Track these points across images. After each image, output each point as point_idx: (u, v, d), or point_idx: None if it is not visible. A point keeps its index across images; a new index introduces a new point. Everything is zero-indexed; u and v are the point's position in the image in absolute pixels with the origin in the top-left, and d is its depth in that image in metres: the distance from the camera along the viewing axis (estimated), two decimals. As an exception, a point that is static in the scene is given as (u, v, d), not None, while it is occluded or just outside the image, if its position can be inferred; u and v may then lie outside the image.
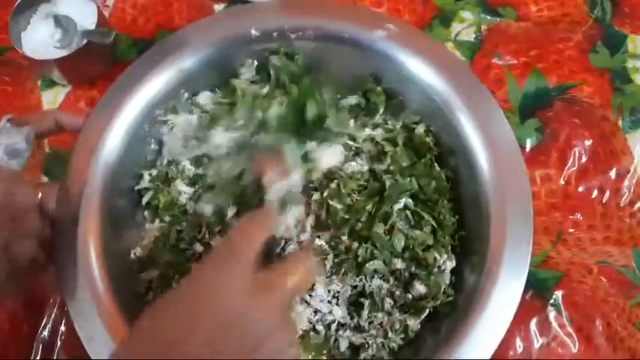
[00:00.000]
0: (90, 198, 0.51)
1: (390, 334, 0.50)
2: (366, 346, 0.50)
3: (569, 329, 0.52)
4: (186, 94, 0.57)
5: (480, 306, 0.46)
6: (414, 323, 0.50)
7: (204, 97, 0.58)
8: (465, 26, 0.64)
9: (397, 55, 0.55)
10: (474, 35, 0.64)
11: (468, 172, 0.52)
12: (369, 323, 0.51)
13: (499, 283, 0.47)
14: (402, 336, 0.50)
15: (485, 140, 0.51)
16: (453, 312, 0.50)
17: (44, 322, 0.55)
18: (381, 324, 0.51)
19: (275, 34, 0.57)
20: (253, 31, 0.56)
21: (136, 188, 0.56)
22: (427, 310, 0.50)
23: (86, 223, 0.50)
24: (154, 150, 0.57)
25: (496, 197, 0.49)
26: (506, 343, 0.51)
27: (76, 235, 0.49)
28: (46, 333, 0.55)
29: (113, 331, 0.47)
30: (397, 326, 0.50)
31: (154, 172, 0.56)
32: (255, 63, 0.58)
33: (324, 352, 0.51)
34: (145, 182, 0.56)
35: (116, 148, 0.53)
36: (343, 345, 0.51)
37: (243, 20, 0.57)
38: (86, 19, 0.60)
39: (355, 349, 0.51)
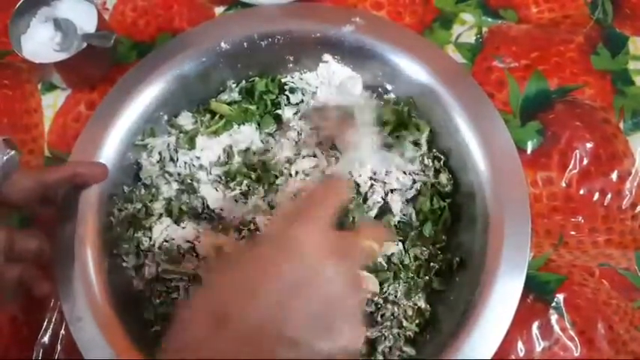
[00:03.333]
0: (86, 208, 0.52)
1: (405, 323, 0.50)
2: (383, 338, 0.51)
3: (571, 332, 0.52)
4: (165, 117, 0.57)
5: (480, 304, 0.47)
6: (423, 302, 0.51)
7: (184, 118, 0.58)
8: (466, 28, 0.64)
9: (371, 47, 0.56)
10: (474, 37, 0.63)
11: (465, 170, 0.53)
12: (382, 316, 0.51)
13: (498, 282, 0.47)
14: (417, 321, 0.51)
15: (479, 136, 0.53)
16: (460, 276, 0.51)
17: (45, 326, 0.55)
18: (393, 314, 0.51)
19: (245, 44, 0.57)
20: (223, 44, 0.57)
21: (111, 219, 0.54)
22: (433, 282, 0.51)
23: (84, 232, 0.50)
24: (133, 175, 0.57)
25: (494, 198, 0.50)
26: (508, 346, 0.51)
27: (73, 245, 0.50)
28: (46, 337, 0.55)
29: (110, 338, 0.47)
30: (410, 312, 0.51)
31: (132, 206, 0.55)
32: (238, 85, 0.59)
33: None
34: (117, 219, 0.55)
35: (111, 160, 0.54)
36: None
37: (215, 32, 0.58)
38: (86, 22, 0.60)
39: (372, 343, 0.51)
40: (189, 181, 0.56)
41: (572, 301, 0.52)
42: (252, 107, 0.59)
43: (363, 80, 0.58)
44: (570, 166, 0.57)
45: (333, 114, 0.56)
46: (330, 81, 0.59)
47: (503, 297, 0.47)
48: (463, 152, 0.53)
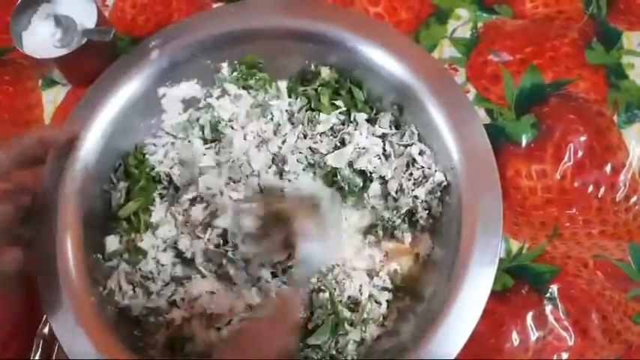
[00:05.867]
0: (67, 204, 0.52)
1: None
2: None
3: (566, 323, 0.52)
4: (100, 257, 0.55)
5: (453, 291, 0.47)
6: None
7: (112, 243, 0.56)
8: (461, 23, 0.64)
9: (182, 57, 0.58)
10: (470, 32, 0.64)
11: (439, 160, 0.54)
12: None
13: (471, 271, 0.47)
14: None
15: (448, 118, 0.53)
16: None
17: (44, 318, 0.55)
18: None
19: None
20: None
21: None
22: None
23: (64, 229, 0.51)
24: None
25: (467, 187, 0.50)
26: (502, 336, 0.52)
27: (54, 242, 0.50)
28: (46, 329, 0.55)
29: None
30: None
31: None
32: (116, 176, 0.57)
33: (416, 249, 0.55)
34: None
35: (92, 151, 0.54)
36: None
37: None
38: (86, 19, 0.61)
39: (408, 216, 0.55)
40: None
41: (567, 292, 0.53)
42: (142, 182, 0.58)
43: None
44: (565, 159, 0.57)
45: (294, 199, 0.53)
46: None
47: (476, 283, 0.47)
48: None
